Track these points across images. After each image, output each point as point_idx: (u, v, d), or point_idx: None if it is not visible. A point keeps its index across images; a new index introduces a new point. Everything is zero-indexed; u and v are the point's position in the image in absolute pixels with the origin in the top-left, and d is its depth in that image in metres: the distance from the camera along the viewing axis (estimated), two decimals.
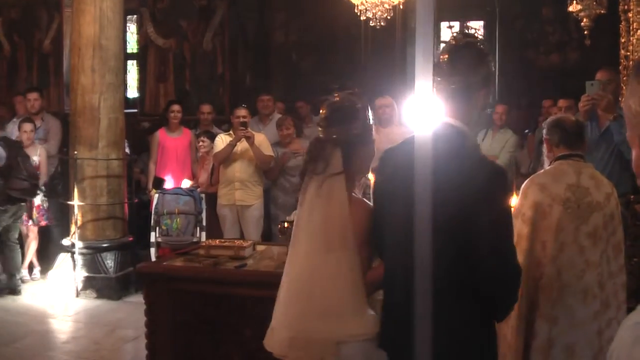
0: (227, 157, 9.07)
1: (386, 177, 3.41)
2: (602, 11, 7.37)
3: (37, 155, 9.91)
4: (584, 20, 7.39)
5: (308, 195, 3.57)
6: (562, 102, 8.36)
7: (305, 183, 3.61)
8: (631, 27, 7.04)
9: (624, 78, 7.15)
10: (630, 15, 7.06)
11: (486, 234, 2.99)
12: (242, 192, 9.14)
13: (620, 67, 7.22)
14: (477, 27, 14.21)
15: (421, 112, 4.68)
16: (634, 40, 6.99)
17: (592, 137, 6.77)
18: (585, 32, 7.54)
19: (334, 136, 3.63)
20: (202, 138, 9.91)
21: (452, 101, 3.26)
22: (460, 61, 3.26)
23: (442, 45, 3.44)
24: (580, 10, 7.36)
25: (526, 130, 11.43)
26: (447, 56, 3.28)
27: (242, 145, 9.02)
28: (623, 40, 7.20)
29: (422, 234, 2.66)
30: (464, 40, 3.34)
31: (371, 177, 4.09)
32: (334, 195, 3.53)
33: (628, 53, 7.08)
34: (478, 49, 3.31)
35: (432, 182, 2.62)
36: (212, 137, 9.90)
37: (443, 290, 2.77)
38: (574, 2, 7.39)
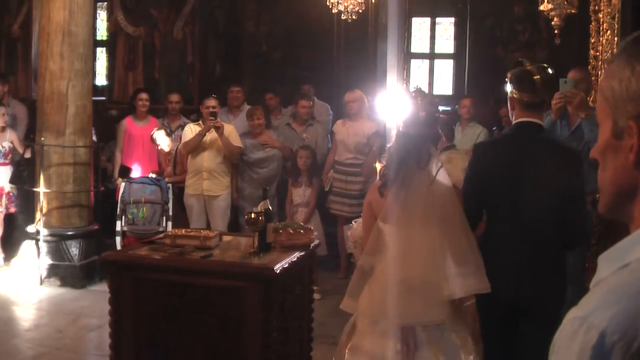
0: (196, 146, 9.06)
1: (491, 161, 4.62)
2: (572, 10, 7.39)
3: (6, 141, 9.83)
4: (555, 19, 7.42)
5: (415, 184, 4.32)
6: None
7: (408, 173, 4.34)
8: (601, 28, 7.09)
9: (593, 78, 7.20)
10: (600, 15, 7.11)
11: (578, 198, 4.54)
12: (209, 182, 9.13)
13: (589, 67, 7.27)
14: (448, 23, 14.28)
15: (392, 106, 5.50)
16: (604, 40, 7.05)
17: (562, 135, 6.82)
18: (556, 31, 7.57)
19: (427, 134, 4.48)
20: (157, 142, 9.84)
21: (536, 108, 4.65)
22: (549, 81, 4.68)
23: (518, 66, 4.75)
24: (551, 10, 7.37)
25: (493, 128, 11.49)
26: (539, 77, 4.58)
27: (211, 135, 9.01)
28: (593, 41, 7.25)
29: (535, 201, 4.44)
30: (541, 65, 4.72)
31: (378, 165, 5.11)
32: (444, 183, 4.39)
33: (597, 53, 7.14)
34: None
35: (540, 158, 4.53)
36: (169, 133, 10.10)
37: (547, 237, 4.46)
38: (545, 1, 7.42)
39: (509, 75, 4.76)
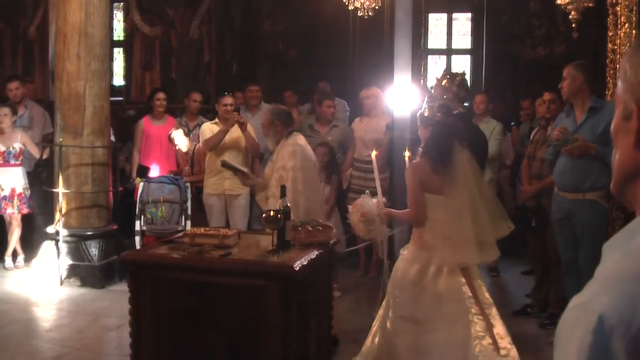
0: (218, 143, 9.00)
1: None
2: (590, 4, 7.35)
3: (17, 142, 9.85)
4: (572, 13, 7.38)
5: (460, 160, 5.39)
6: (547, 95, 8.37)
7: (455, 153, 5.39)
8: (619, 21, 7.02)
9: (611, 72, 7.17)
10: (618, 9, 7.05)
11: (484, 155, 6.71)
12: (231, 181, 9.10)
13: (607, 61, 7.23)
14: (464, 18, 14.25)
15: (402, 100, 6.85)
16: (622, 34, 6.98)
17: (570, 129, 6.84)
18: (573, 25, 7.53)
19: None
20: (175, 142, 9.87)
21: (463, 104, 6.25)
22: (466, 85, 6.45)
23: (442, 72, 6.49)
24: (568, 3, 7.34)
25: (512, 123, 11.46)
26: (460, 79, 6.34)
27: (232, 134, 9.00)
28: (610, 34, 7.19)
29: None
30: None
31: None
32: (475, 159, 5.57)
33: (615, 47, 7.08)
34: None
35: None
36: (187, 132, 10.21)
37: None
38: None
39: (457, 79, 6.33)
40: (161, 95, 10.68)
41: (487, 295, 5.50)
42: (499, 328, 5.36)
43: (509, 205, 10.81)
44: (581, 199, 6.81)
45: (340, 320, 6.25)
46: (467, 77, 14.02)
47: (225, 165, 7.91)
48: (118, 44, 14.65)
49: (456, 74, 6.72)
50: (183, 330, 4.89)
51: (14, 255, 10.09)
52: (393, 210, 5.93)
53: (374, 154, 6.11)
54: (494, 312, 5.43)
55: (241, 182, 7.78)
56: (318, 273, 5.37)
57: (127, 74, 14.46)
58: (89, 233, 9.44)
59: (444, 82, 6.48)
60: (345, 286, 8.86)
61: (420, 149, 5.71)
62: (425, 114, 5.88)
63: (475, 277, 5.47)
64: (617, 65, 6.99)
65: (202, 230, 5.64)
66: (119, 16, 14.80)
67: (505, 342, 5.32)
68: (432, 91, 6.29)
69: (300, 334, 4.97)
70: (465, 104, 6.29)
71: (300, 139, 7.17)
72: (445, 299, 5.34)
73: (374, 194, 5.90)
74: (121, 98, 14.01)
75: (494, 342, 5.23)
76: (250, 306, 4.71)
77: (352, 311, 7.87)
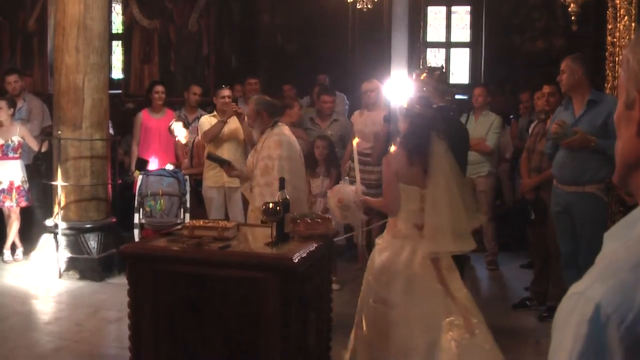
0: (217, 135, 9.01)
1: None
2: None
3: (16, 135, 9.83)
4: (572, 5, 7.37)
5: (437, 151, 5.47)
6: (546, 88, 8.37)
7: (433, 144, 5.47)
8: (618, 14, 7.02)
9: (610, 65, 7.17)
10: (617, 1, 7.04)
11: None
12: None
13: (606, 54, 7.23)
14: (463, 12, 14.25)
15: (399, 93, 7.10)
16: (621, 26, 6.98)
17: (569, 122, 6.84)
18: (572, 18, 7.52)
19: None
20: (175, 134, 9.91)
21: (444, 97, 6.85)
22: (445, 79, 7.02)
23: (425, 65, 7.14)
24: None
25: (511, 116, 11.45)
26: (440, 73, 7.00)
27: (230, 126, 9.00)
28: (610, 27, 7.18)
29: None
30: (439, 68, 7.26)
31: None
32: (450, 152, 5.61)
33: (615, 39, 7.07)
34: None
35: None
36: (187, 125, 10.19)
37: None
38: None
39: (436, 73, 6.91)
40: (160, 88, 10.68)
41: (460, 284, 5.59)
42: (473, 312, 5.45)
43: (508, 199, 10.83)
44: (580, 192, 6.80)
45: (338, 313, 6.23)
46: (466, 70, 14.17)
47: (210, 157, 7.92)
48: (117, 36, 14.64)
49: (435, 69, 7.12)
50: (182, 322, 4.89)
51: (13, 248, 10.07)
52: (369, 198, 6.07)
53: (355, 141, 6.47)
54: (468, 298, 5.53)
55: (226, 173, 7.75)
56: (317, 265, 5.36)
57: (126, 67, 14.46)
58: (88, 226, 9.43)
59: (423, 76, 6.72)
60: (343, 279, 8.86)
61: (398, 140, 5.81)
62: (405, 106, 5.98)
63: (449, 268, 5.56)
64: (617, 58, 6.99)
65: (201, 223, 5.63)
66: (117, 9, 14.81)
67: (482, 327, 5.39)
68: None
69: (300, 326, 4.97)
70: (458, 96, 6.39)
71: (285, 129, 7.29)
72: (418, 286, 5.46)
73: (371, 186, 5.99)
74: (120, 91, 14.01)
75: (468, 325, 5.30)
76: (249, 298, 4.70)
77: (350, 304, 7.85)
